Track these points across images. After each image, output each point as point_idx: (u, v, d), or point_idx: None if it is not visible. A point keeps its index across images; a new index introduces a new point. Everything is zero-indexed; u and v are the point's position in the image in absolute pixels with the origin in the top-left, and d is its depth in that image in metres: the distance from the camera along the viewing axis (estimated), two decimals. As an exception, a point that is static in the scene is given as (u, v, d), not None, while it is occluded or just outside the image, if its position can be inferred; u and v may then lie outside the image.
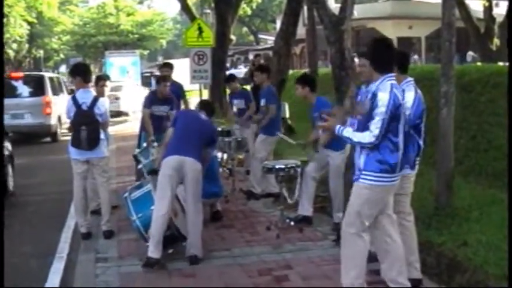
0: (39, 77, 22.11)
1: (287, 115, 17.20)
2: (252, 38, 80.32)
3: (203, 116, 7.98)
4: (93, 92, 8.91)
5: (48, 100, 20.71)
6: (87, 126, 8.56)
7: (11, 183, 12.43)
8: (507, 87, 8.89)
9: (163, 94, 10.81)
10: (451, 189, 8.21)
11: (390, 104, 5.51)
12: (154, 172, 8.13)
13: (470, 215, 7.92)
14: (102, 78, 10.30)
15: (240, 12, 33.82)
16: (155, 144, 9.81)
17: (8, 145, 12.55)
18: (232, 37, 26.52)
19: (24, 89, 21.30)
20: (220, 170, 11.71)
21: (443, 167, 8.20)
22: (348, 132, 5.82)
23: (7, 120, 15.42)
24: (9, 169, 12.42)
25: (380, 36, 6.59)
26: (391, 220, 5.96)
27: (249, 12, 50.61)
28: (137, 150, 10.48)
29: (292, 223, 8.70)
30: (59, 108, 19.70)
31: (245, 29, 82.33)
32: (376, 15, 44.16)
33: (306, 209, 8.86)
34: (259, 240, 8.32)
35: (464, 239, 7.04)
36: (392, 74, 5.72)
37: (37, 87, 21.12)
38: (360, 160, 5.76)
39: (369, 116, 5.61)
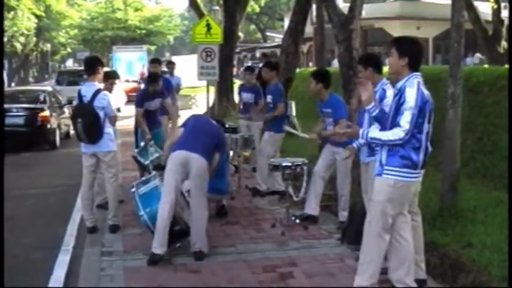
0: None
1: (293, 113, 17.15)
2: (259, 35, 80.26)
3: (214, 121, 8.07)
4: (96, 85, 8.82)
5: None
6: (83, 118, 8.57)
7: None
8: (508, 89, 8.91)
9: (155, 91, 10.78)
10: (456, 190, 8.22)
11: (418, 99, 5.55)
12: (161, 168, 8.14)
13: (475, 216, 7.93)
14: (111, 77, 10.09)
15: (248, 9, 33.88)
16: (152, 142, 9.88)
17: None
18: (240, 34, 26.56)
19: (81, 80, 25.42)
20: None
21: (449, 168, 8.21)
22: (374, 133, 5.84)
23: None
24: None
25: (408, 36, 6.64)
26: (405, 220, 5.97)
27: (257, 9, 50.76)
28: (136, 151, 10.50)
29: (297, 221, 8.72)
30: None
31: (253, 26, 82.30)
32: (384, 15, 44.00)
33: (312, 208, 8.87)
34: (264, 237, 8.33)
35: (468, 240, 7.06)
36: (419, 73, 5.77)
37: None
38: (382, 155, 5.79)
39: (394, 113, 5.65)
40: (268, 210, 9.81)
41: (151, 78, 11.05)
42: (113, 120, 8.92)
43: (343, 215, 8.62)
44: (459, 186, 8.40)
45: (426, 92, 5.69)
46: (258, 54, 61.68)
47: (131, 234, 8.55)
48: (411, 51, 5.83)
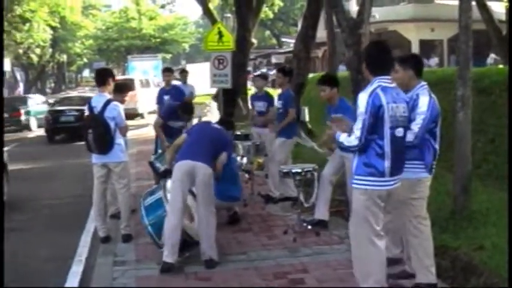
0: (131, 79, 33.72)
1: (307, 119, 17.13)
2: (274, 41, 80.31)
3: (216, 125, 8.10)
4: (107, 96, 8.86)
5: (135, 94, 29.49)
6: (94, 129, 8.60)
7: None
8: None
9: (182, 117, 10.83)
10: (469, 192, 8.18)
11: (369, 104, 5.47)
12: (168, 172, 8.12)
13: (488, 218, 7.90)
14: (123, 91, 9.74)
15: (262, 15, 33.86)
16: None
17: None
18: (254, 41, 26.54)
19: None
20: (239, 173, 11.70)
21: (461, 170, 8.18)
22: (342, 137, 5.79)
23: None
24: None
25: (376, 39, 6.59)
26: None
27: (271, 15, 50.68)
28: (153, 157, 10.55)
29: (309, 227, 8.70)
30: (145, 97, 31.36)
31: (268, 32, 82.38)
32: (398, 18, 43.90)
33: (321, 213, 8.87)
34: (276, 244, 8.32)
35: (480, 243, 7.03)
36: (386, 77, 5.69)
37: (130, 85, 29.94)
38: (353, 163, 5.77)
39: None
40: (281, 216, 9.79)
41: (185, 109, 10.97)
42: (124, 130, 8.93)
43: (355, 220, 8.59)
44: (471, 188, 8.36)
45: (384, 97, 5.53)
46: (273, 59, 61.81)
47: (144, 244, 8.54)
48: (366, 56, 5.90)
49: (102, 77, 8.99)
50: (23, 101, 33.23)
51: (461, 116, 8.08)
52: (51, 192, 13.87)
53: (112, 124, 8.62)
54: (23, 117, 31.26)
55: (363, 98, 5.51)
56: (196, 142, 7.76)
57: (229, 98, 17.98)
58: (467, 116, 8.10)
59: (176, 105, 10.86)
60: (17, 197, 12.63)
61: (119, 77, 45.83)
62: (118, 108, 8.76)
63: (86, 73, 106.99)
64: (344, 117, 6.56)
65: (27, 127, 31.34)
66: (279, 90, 11.40)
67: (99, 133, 8.59)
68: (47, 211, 11.80)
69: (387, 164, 5.58)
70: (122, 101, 9.43)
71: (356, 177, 5.70)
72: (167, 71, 14.46)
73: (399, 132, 5.67)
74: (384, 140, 5.56)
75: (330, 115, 8.68)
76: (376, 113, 5.48)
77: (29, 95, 39.75)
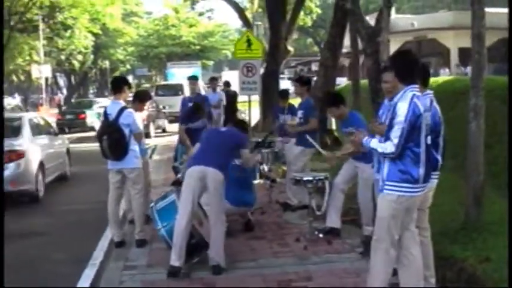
0: (180, 84, 35.65)
1: (334, 127, 17.12)
2: (316, 48, 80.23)
3: (223, 128, 8.14)
4: (122, 103, 8.97)
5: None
6: (108, 135, 8.70)
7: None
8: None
9: (200, 115, 11.59)
10: (481, 203, 8.08)
11: (409, 113, 5.53)
12: (178, 183, 8.25)
13: (498, 229, 7.79)
14: (142, 100, 9.94)
15: (300, 23, 33.86)
16: None
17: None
18: (290, 48, 26.48)
19: (173, 91, 34.64)
20: (262, 181, 11.70)
21: (473, 180, 8.10)
22: (374, 143, 5.85)
23: (168, 109, 29.15)
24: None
25: (404, 49, 6.59)
26: (412, 235, 5.93)
27: (309, 23, 50.66)
28: (177, 163, 10.69)
29: (320, 235, 8.71)
30: None
31: (310, 39, 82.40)
32: (437, 26, 43.63)
33: (333, 220, 8.85)
34: (287, 252, 8.34)
35: (487, 255, 6.96)
36: (416, 86, 5.75)
37: (179, 90, 34.36)
38: (384, 170, 5.78)
39: (388, 127, 5.66)
40: (297, 224, 9.76)
41: (196, 109, 11.75)
42: (139, 137, 9.05)
43: (367, 229, 8.52)
44: (486, 199, 8.28)
45: (421, 106, 5.62)
46: (313, 67, 61.81)
47: (158, 249, 8.60)
48: (397, 64, 5.89)
49: (117, 85, 9.15)
50: (89, 104, 36.52)
51: (474, 126, 7.99)
52: (77, 197, 14.17)
53: (126, 131, 8.74)
54: (88, 120, 33.59)
55: (403, 107, 5.56)
56: (206, 148, 7.85)
57: (231, 105, 18.13)
58: (480, 125, 8.00)
59: (189, 108, 11.29)
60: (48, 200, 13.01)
61: (163, 82, 47.18)
62: (132, 115, 8.87)
63: (129, 79, 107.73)
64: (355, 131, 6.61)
65: (93, 129, 32.76)
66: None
67: (114, 139, 8.70)
68: (71, 216, 11.95)
69: (422, 171, 5.66)
70: (141, 109, 9.57)
71: (388, 183, 5.73)
72: (192, 79, 14.60)
73: (428, 140, 5.76)
74: (421, 148, 5.65)
75: (342, 129, 8.75)
76: (415, 121, 5.56)
77: (96, 99, 43.36)
